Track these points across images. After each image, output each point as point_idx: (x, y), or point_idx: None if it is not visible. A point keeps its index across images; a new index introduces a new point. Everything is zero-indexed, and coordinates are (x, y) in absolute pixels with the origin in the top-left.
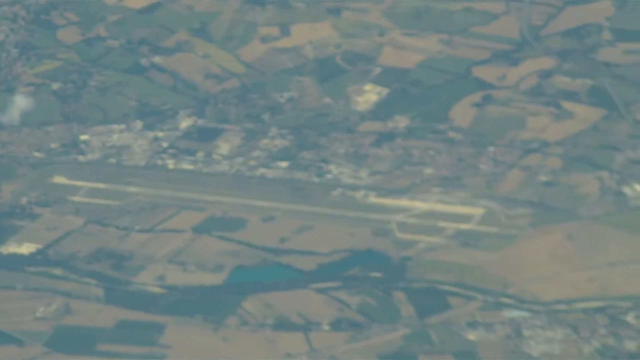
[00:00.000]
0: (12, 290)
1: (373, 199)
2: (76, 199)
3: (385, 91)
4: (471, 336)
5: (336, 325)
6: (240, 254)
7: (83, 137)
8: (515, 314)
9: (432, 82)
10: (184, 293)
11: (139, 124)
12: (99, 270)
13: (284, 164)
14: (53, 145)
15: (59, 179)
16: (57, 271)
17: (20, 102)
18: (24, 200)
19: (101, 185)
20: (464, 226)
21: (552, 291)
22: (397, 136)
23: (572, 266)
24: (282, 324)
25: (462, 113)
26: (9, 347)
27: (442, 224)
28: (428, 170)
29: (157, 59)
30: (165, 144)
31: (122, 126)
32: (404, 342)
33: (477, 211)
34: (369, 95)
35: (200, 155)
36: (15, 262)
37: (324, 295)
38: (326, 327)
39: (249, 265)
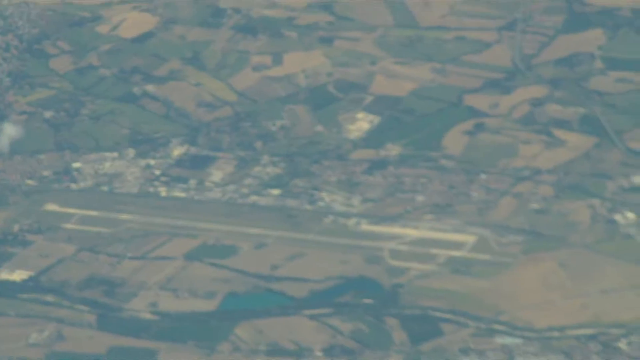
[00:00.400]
0: (5, 317)
1: (365, 227)
2: (68, 226)
3: (377, 119)
4: None
5: (329, 351)
6: (232, 280)
7: (75, 165)
8: (507, 340)
9: (424, 110)
10: (176, 319)
11: (131, 152)
12: (91, 297)
13: (276, 191)
14: (45, 173)
15: (51, 207)
16: (50, 298)
17: (10, 130)
18: (16, 227)
19: (93, 213)
20: (456, 253)
21: (545, 318)
22: (389, 164)
23: (564, 293)
24: (275, 351)
25: (454, 141)
26: None
27: (434, 251)
28: (420, 198)
29: (149, 88)
30: (157, 172)
31: (115, 154)
32: None
33: (469, 238)
34: (361, 124)
35: (192, 183)
36: (7, 289)
37: (317, 322)
38: (319, 354)
39: (241, 292)
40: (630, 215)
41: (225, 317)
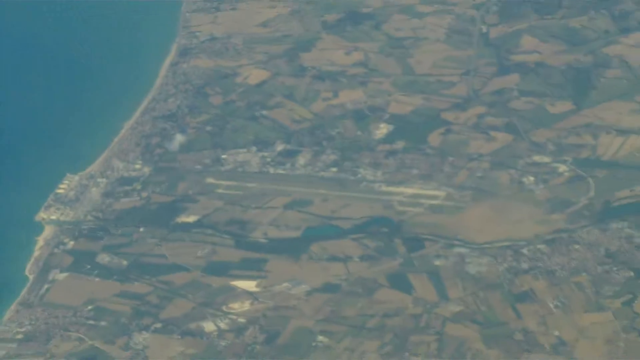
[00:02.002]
0: (182, 242)
1: (384, 188)
2: (219, 191)
3: (391, 127)
4: (437, 262)
5: (363, 258)
6: (309, 220)
7: (223, 156)
8: (461, 250)
9: (417, 121)
10: (278, 242)
11: (254, 149)
12: (231, 230)
13: (334, 169)
14: (206, 161)
15: (210, 180)
16: (208, 231)
17: (180, 138)
18: (190, 192)
19: (233, 183)
20: (433, 202)
21: (482, 237)
22: (398, 152)
23: (493, 223)
24: (333, 258)
25: (434, 138)
26: (181, 273)
27: (421, 201)
28: (414, 171)
29: (264, 112)
30: (268, 159)
31: (245, 150)
32: (400, 267)
33: (442, 194)
34: (382, 130)
35: (288, 165)
36: (184, 226)
37: (356, 242)
38: (357, 260)
39: (314, 226)
40: (531, 178)
41: (305, 240)
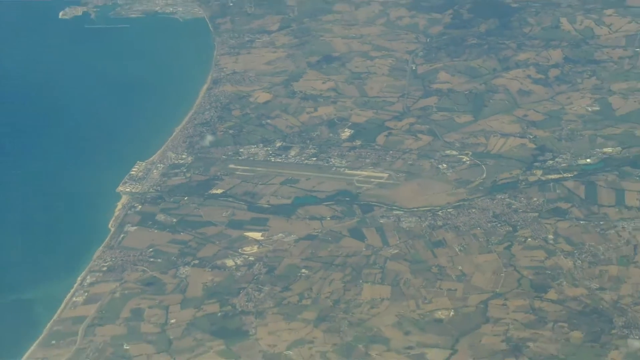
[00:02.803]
0: (212, 206)
1: (347, 171)
2: (238, 172)
3: (352, 131)
4: (381, 221)
5: (332, 217)
6: (297, 192)
7: (240, 150)
8: (398, 212)
9: (369, 127)
10: (276, 207)
11: (261, 145)
12: (245, 199)
13: (314, 159)
14: (229, 153)
15: (232, 166)
16: (230, 199)
17: (210, 138)
18: (218, 173)
19: (247, 167)
20: (380, 180)
21: (412, 204)
22: (356, 148)
23: (419, 195)
24: (312, 217)
25: (381, 139)
26: (211, 227)
27: (372, 180)
28: (367, 160)
29: (269, 121)
30: (270, 152)
31: (255, 146)
32: (357, 224)
33: (385, 175)
34: (346, 133)
35: (283, 156)
36: (214, 196)
37: (328, 207)
38: (328, 218)
39: (300, 196)
40: (444, 165)
41: (294, 206)
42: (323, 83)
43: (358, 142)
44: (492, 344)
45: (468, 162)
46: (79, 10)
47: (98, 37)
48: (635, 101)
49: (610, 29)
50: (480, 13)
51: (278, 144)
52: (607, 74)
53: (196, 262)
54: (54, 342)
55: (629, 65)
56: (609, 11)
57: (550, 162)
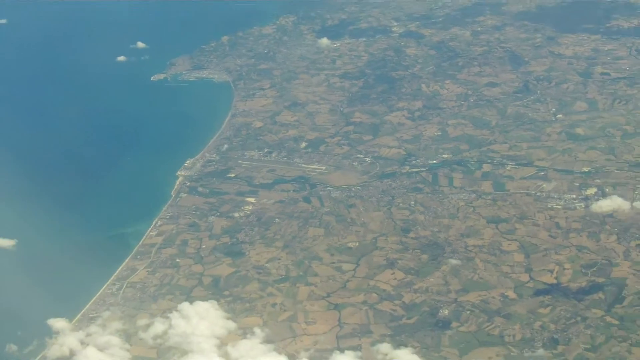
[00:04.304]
0: (228, 184)
1: (303, 165)
2: (243, 165)
3: (306, 144)
4: (321, 193)
5: (294, 190)
6: (275, 177)
7: (245, 153)
8: (330, 188)
9: (316, 142)
10: (263, 184)
11: (256, 151)
12: (246, 179)
13: (285, 159)
14: (238, 155)
15: (240, 161)
16: (238, 179)
17: (226, 146)
18: (231, 165)
19: (248, 162)
20: (321, 170)
21: (338, 184)
22: (309, 153)
23: (342, 178)
24: (282, 190)
25: (322, 148)
26: (226, 195)
27: (316, 170)
28: (314, 159)
29: (261, 137)
30: (262, 155)
31: (253, 151)
32: (307, 194)
33: (324, 167)
34: (304, 144)
35: (268, 157)
36: (229, 179)
37: (290, 184)
38: (291, 191)
39: (277, 178)
40: (355, 163)
41: (273, 184)
42: (292, 117)
43: (310, 150)
44: (379, 261)
45: (369, 161)
46: (161, 76)
47: (171, 91)
48: (460, 130)
49: (447, 91)
50: (379, 81)
51: (266, 150)
52: (446, 115)
53: (218, 214)
54: (138, 257)
55: (458, 110)
56: (448, 82)
57: (414, 162)
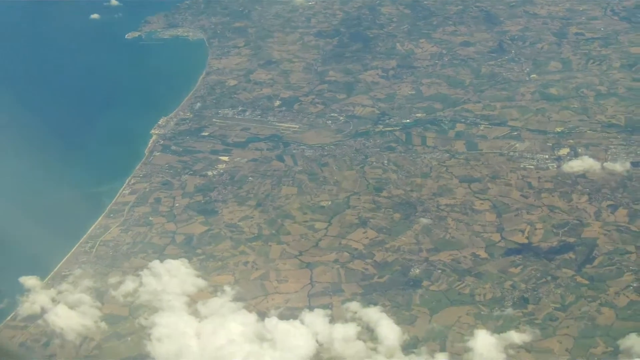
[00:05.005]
0: (201, 142)
1: (277, 124)
2: (217, 122)
3: (280, 102)
4: (294, 151)
5: (267, 149)
6: (248, 135)
7: (219, 111)
8: (303, 147)
9: (290, 100)
10: (237, 143)
11: (231, 110)
12: (220, 137)
13: (259, 117)
14: (212, 113)
15: (215, 120)
16: (212, 138)
17: (199, 104)
18: (205, 123)
19: (222, 121)
20: (294, 129)
21: (311, 142)
22: (283, 111)
23: (316, 137)
24: (256, 148)
25: (296, 107)
26: (201, 154)
27: (290, 129)
28: (288, 118)
29: (235, 96)
30: (235, 113)
31: (228, 109)
32: (280, 153)
33: (297, 126)
34: (278, 102)
35: (242, 115)
36: (203, 137)
37: (265, 143)
38: (265, 150)
39: (250, 137)
40: (329, 122)
41: (247, 142)
42: (266, 75)
43: (283, 108)
44: (351, 220)
45: (343, 120)
46: (136, 34)
47: (146, 49)
48: (434, 89)
49: (422, 50)
50: (353, 39)
51: (240, 109)
52: (420, 74)
53: (191, 172)
54: (111, 215)
55: (432, 69)
56: (423, 41)
57: (387, 121)
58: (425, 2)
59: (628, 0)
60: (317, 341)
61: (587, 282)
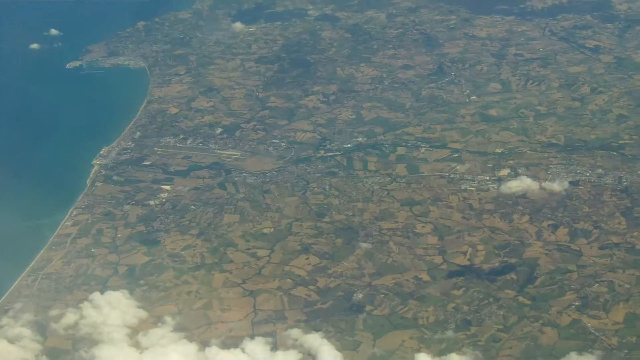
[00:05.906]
0: (143, 172)
1: (218, 152)
2: (158, 152)
3: (222, 129)
4: (236, 179)
5: (210, 177)
6: (190, 163)
7: (161, 140)
8: (245, 174)
9: (231, 127)
10: (179, 171)
11: (172, 138)
12: (162, 167)
13: (201, 145)
14: (154, 142)
15: (155, 149)
16: (154, 167)
17: (139, 133)
18: (146, 152)
19: (164, 149)
20: (236, 156)
21: (253, 169)
22: (223, 138)
23: (258, 164)
24: (198, 177)
25: (237, 134)
26: (142, 183)
27: (232, 156)
28: (230, 145)
29: (177, 124)
30: (177, 142)
31: (169, 138)
32: (222, 180)
33: (239, 153)
34: (219, 130)
35: (184, 143)
36: (145, 166)
37: (207, 171)
38: (207, 178)
39: (193, 165)
40: (270, 148)
41: (189, 170)
42: (207, 103)
43: (225, 135)
44: (293, 246)
45: (284, 146)
46: (77, 63)
47: (87, 78)
48: (375, 113)
49: (362, 74)
50: (294, 65)
51: (181, 137)
52: (361, 98)
53: (133, 202)
54: (54, 247)
55: (372, 93)
56: (363, 65)
57: (328, 146)
58: (365, 26)
59: (566, 20)
60: None
61: (529, 302)
